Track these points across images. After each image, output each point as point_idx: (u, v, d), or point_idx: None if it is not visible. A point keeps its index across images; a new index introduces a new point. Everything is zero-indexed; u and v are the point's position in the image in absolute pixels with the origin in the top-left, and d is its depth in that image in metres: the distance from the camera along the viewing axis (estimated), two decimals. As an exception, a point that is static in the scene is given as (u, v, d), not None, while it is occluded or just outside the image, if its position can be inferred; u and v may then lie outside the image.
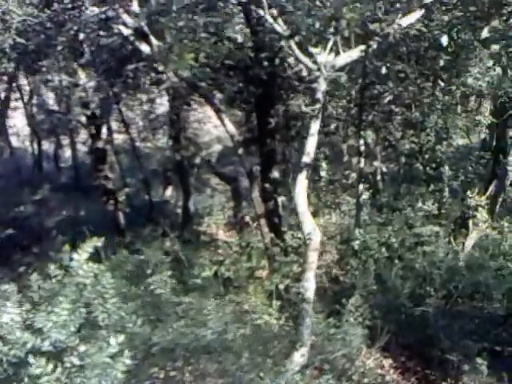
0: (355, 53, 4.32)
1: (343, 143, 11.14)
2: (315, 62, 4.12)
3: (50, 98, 18.36)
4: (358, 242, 6.79)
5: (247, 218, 9.48)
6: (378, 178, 10.81)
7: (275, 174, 8.95)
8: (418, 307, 6.11)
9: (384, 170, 9.31)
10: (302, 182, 4.52)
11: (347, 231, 7.93)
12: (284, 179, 10.70)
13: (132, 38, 6.37)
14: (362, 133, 7.37)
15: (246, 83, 7.82)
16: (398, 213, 8.30)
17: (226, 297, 5.97)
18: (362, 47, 4.32)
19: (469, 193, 7.85)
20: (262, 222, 7.96)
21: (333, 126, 9.61)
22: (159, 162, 15.37)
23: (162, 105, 15.03)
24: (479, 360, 4.63)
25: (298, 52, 4.20)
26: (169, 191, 16.94)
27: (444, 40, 3.40)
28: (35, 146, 21.34)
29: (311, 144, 4.47)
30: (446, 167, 6.95)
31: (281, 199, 9.09)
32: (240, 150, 7.57)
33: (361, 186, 7.98)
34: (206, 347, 3.22)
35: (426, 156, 7.08)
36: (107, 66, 9.06)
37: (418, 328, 5.82)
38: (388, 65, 5.69)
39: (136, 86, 10.27)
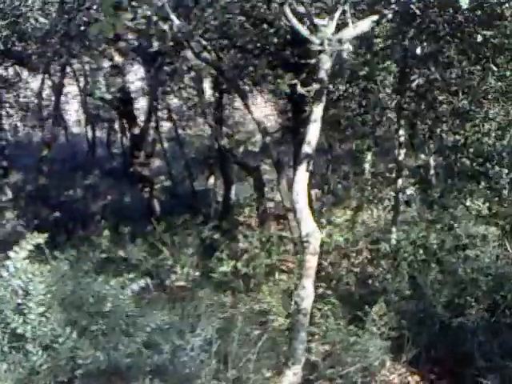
0: (365, 24, 3.74)
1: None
2: (318, 36, 3.61)
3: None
4: (390, 242, 6.21)
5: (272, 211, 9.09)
6: (432, 172, 10.01)
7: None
8: (456, 318, 5.44)
9: (432, 163, 8.53)
10: (301, 175, 4.06)
11: (383, 229, 7.32)
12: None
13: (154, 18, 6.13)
14: (401, 122, 6.70)
15: (277, 67, 7.36)
16: (445, 211, 7.59)
17: (241, 295, 5.66)
18: (374, 17, 3.74)
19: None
20: (290, 215, 7.54)
21: (376, 116, 8.92)
22: (199, 150, 15.27)
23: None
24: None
25: (294, 21, 3.70)
26: (211, 180, 16.88)
27: (464, 1, 2.64)
28: (89, 132, 22.13)
29: (313, 132, 3.97)
30: (494, 162, 6.14)
31: (314, 192, 8.62)
32: (267, 139, 7.18)
33: (400, 181, 7.30)
34: (164, 366, 2.75)
35: (471, 150, 6.30)
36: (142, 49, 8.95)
37: (454, 342, 5.17)
38: (424, 44, 5.01)
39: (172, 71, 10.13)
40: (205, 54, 6.50)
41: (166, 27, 6.22)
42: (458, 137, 6.54)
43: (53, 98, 17.11)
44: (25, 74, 14.35)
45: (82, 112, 21.00)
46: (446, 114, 6.75)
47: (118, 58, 9.64)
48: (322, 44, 3.63)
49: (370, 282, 6.12)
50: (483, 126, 6.06)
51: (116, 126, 20.62)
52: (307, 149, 4.00)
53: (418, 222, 8.11)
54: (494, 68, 5.62)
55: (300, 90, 4.07)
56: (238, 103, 15.18)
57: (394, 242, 6.42)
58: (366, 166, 10.90)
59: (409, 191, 9.74)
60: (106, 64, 9.56)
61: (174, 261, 7.37)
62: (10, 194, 11.92)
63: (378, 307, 4.94)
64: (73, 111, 22.94)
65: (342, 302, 5.61)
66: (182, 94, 12.54)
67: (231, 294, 5.84)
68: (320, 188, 10.41)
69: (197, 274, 7.17)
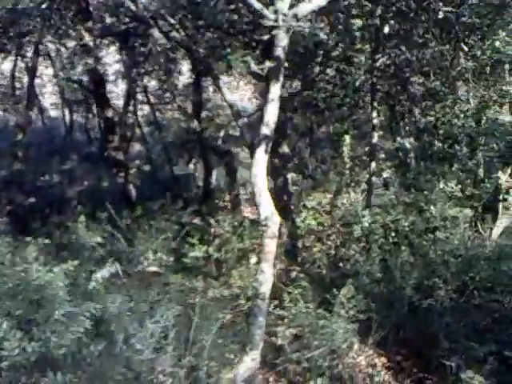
0: None
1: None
2: (272, 10, 3.49)
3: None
4: (361, 225, 6.19)
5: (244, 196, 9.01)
6: (411, 155, 10.01)
7: (285, 148, 8.37)
8: (425, 300, 5.48)
9: (408, 146, 8.50)
10: (260, 157, 3.97)
11: (357, 213, 7.30)
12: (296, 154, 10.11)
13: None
14: (375, 104, 6.63)
15: (249, 48, 7.18)
16: (421, 194, 7.61)
17: (212, 280, 5.60)
18: None
19: (500, 173, 7.01)
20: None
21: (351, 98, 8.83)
22: (177, 134, 15.03)
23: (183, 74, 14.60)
24: (469, 372, 4.00)
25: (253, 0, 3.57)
26: (191, 164, 16.71)
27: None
28: (67, 115, 21.64)
29: (271, 112, 3.88)
30: (463, 144, 6.12)
31: (291, 176, 8.54)
32: (239, 122, 7.04)
33: (373, 164, 7.27)
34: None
35: (441, 131, 6.26)
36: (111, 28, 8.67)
37: (421, 324, 5.22)
38: (392, 22, 4.90)
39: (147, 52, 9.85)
40: (173, 34, 6.30)
41: (131, 5, 6.03)
42: (429, 118, 6.51)
43: (25, 81, 16.63)
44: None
45: (59, 95, 20.49)
46: (418, 95, 6.69)
47: (87, 38, 9.32)
48: (276, 20, 3.51)
49: (341, 265, 6.11)
50: (453, 107, 6.03)
51: (94, 109, 20.19)
52: (265, 130, 3.91)
53: (394, 204, 8.13)
54: (465, 48, 5.56)
55: (254, 68, 3.95)
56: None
57: (366, 225, 6.40)
58: (345, 149, 10.84)
59: (385, 174, 9.74)
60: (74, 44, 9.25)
61: (147, 246, 7.27)
62: (-21, 179, 11.53)
63: (347, 290, 4.94)
64: (49, 94, 22.38)
65: (312, 285, 5.61)
66: (158, 75, 12.24)
67: (203, 279, 5.78)
68: (297, 171, 10.34)
69: (171, 259, 7.09)
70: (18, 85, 17.42)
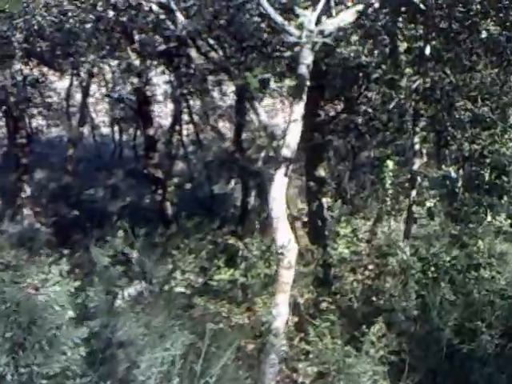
0: (349, 15, 3.42)
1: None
2: (297, 26, 3.32)
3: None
4: (397, 257, 5.80)
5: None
6: (459, 184, 9.46)
7: (321, 171, 8.13)
8: (465, 344, 5.00)
9: (453, 174, 8.00)
10: (279, 181, 3.74)
11: (395, 243, 6.90)
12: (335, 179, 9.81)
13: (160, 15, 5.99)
14: (417, 129, 6.28)
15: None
16: (466, 227, 7.11)
17: (236, 305, 5.39)
18: (359, 6, 3.41)
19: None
20: (297, 224, 7.25)
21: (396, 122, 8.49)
22: (216, 154, 15.12)
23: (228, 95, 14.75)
24: None
25: (270, 10, 3.42)
26: (231, 184, 16.72)
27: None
28: (117, 132, 22.46)
29: (293, 132, 3.67)
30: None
31: (326, 200, 8.26)
32: (274, 144, 6.90)
33: (414, 192, 6.87)
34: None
35: (487, 160, 5.81)
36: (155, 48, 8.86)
37: (460, 371, 4.74)
38: (434, 43, 4.60)
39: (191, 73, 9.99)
40: (212, 54, 6.28)
41: (171, 25, 6.09)
42: (475, 146, 6.09)
43: (78, 98, 17.41)
44: (50, 74, 14.59)
45: (110, 113, 21.31)
46: (464, 121, 6.29)
47: (133, 58, 9.58)
48: (300, 36, 3.34)
49: (374, 299, 5.73)
50: (503, 135, 5.59)
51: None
52: (286, 151, 3.71)
53: (438, 236, 7.66)
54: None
55: (273, 85, 3.79)
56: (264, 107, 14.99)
57: (404, 257, 6.00)
58: (386, 175, 10.42)
59: (429, 203, 9.23)
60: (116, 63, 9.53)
61: (177, 266, 7.19)
62: (28, 192, 12.06)
63: (378, 327, 4.57)
64: (102, 112, 23.34)
65: (342, 319, 5.26)
66: (200, 96, 12.41)
67: (228, 303, 5.58)
68: (335, 196, 10.02)
69: (200, 280, 6.96)
70: (72, 102, 18.29)
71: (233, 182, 16.54)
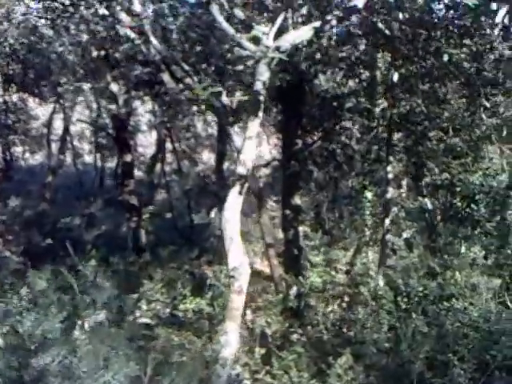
0: (306, 31, 3.41)
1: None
2: (254, 42, 3.28)
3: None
4: (368, 286, 5.65)
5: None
6: (438, 215, 9.45)
7: (297, 200, 8.05)
8: (439, 378, 4.80)
9: (429, 206, 7.99)
10: (233, 200, 3.63)
11: (367, 274, 6.77)
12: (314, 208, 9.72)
13: (135, 40, 5.97)
14: (390, 158, 6.26)
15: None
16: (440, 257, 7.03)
17: (199, 336, 5.14)
18: (316, 23, 3.40)
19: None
20: (272, 252, 7.10)
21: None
22: (195, 182, 15.00)
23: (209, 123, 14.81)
24: None
25: (223, 22, 3.39)
26: (213, 213, 16.53)
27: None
28: (98, 161, 22.26)
29: (248, 150, 3.59)
30: (481, 205, 5.56)
31: (302, 229, 8.15)
32: (242, 170, 6.82)
33: (387, 221, 6.80)
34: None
35: (458, 189, 5.78)
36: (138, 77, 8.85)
37: (431, 406, 4.53)
38: (398, 65, 4.57)
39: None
40: (187, 80, 6.26)
41: (144, 49, 6.08)
42: (447, 175, 6.07)
43: (58, 125, 17.29)
44: (30, 100, 14.51)
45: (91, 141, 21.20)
46: (436, 151, 6.30)
47: (113, 86, 9.57)
48: (256, 51, 3.30)
49: (344, 330, 5.53)
50: (474, 164, 5.58)
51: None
52: (241, 169, 3.62)
53: (417, 268, 7.54)
54: (487, 104, 5.21)
55: (225, 100, 3.73)
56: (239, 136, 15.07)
57: (373, 286, 5.85)
58: (365, 206, 10.38)
59: (405, 234, 9.18)
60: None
61: (144, 296, 6.94)
62: (-1, 218, 11.73)
63: (344, 360, 4.37)
64: (86, 139, 23.22)
65: (310, 351, 5.04)
66: (181, 125, 12.40)
67: (193, 334, 5.33)
68: (314, 226, 9.91)
69: (167, 310, 6.70)
70: (52, 130, 18.14)
71: (213, 211, 16.38)
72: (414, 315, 5.35)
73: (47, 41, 7.94)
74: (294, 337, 5.55)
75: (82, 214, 16.88)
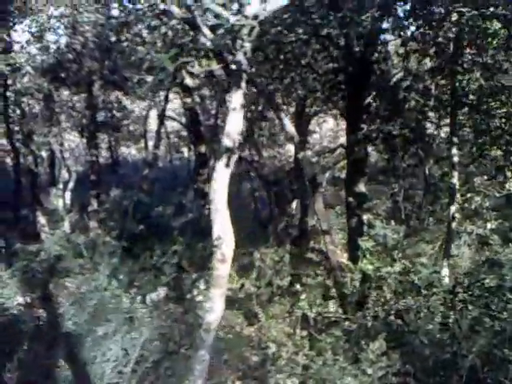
0: None
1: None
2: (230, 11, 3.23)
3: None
4: (419, 275, 5.28)
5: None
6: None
7: (361, 187, 7.78)
8: (493, 374, 4.40)
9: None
10: (220, 173, 3.62)
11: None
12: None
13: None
14: (454, 139, 5.73)
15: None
16: None
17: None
18: None
19: None
20: (327, 239, 6.98)
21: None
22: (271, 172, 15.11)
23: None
24: None
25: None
26: (293, 204, 16.58)
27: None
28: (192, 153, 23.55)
29: (234, 122, 3.54)
30: None
31: (367, 217, 7.83)
32: (301, 154, 6.79)
33: (452, 208, 6.24)
34: None
35: None
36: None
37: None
38: None
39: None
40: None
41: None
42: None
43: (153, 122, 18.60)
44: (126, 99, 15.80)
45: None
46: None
47: (188, 81, 10.09)
48: (238, 20, 3.27)
49: (392, 318, 5.27)
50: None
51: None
52: (227, 141, 3.60)
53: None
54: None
55: (196, 69, 3.73)
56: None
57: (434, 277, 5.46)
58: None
59: (489, 225, 8.41)
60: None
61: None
62: (95, 205, 13.08)
63: (377, 345, 4.21)
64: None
65: (349, 335, 4.92)
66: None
67: (238, 314, 5.51)
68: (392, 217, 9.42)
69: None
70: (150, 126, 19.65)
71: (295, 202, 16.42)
72: (470, 307, 4.93)
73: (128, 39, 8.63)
74: (337, 321, 5.45)
75: (173, 203, 18.08)
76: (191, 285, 6.68)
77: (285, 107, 13.42)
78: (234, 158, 3.65)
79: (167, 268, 8.40)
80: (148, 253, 11.35)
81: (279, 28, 5.85)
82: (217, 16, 3.61)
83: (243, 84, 3.66)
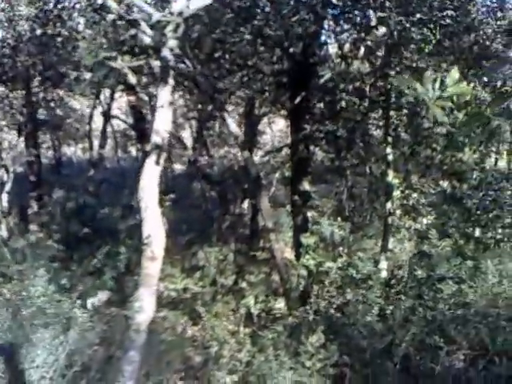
0: None
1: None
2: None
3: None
4: (357, 268, 5.49)
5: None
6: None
7: (305, 185, 7.95)
8: (428, 361, 4.63)
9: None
10: (149, 169, 3.64)
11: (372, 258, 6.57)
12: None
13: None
14: (388, 139, 6.01)
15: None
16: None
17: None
18: None
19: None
20: (273, 236, 7.07)
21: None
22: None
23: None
24: None
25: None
26: (245, 204, 16.67)
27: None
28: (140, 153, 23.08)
29: (161, 119, 3.57)
30: None
31: (311, 214, 8.02)
32: (245, 154, 6.85)
33: (388, 205, 6.53)
34: None
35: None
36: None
37: None
38: None
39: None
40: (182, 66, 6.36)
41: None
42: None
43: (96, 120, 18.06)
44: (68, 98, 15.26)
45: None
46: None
47: (131, 78, 9.86)
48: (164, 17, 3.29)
49: (332, 311, 5.44)
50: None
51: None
52: (156, 138, 3.61)
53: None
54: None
55: (120, 64, 3.75)
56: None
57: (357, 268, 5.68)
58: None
59: (425, 221, 8.81)
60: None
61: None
62: (35, 207, 12.53)
63: (316, 338, 4.32)
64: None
65: (290, 330, 5.02)
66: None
67: (182, 314, 5.47)
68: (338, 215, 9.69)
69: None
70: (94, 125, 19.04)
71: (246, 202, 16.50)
72: (404, 298, 5.17)
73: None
74: (280, 317, 5.55)
75: (121, 205, 17.64)
76: (134, 287, 6.54)
77: (233, 107, 13.49)
78: (164, 155, 3.62)
79: (110, 271, 8.22)
80: (91, 256, 11.03)
81: (213, 25, 5.88)
82: (142, 11, 3.59)
83: (171, 80, 3.64)
